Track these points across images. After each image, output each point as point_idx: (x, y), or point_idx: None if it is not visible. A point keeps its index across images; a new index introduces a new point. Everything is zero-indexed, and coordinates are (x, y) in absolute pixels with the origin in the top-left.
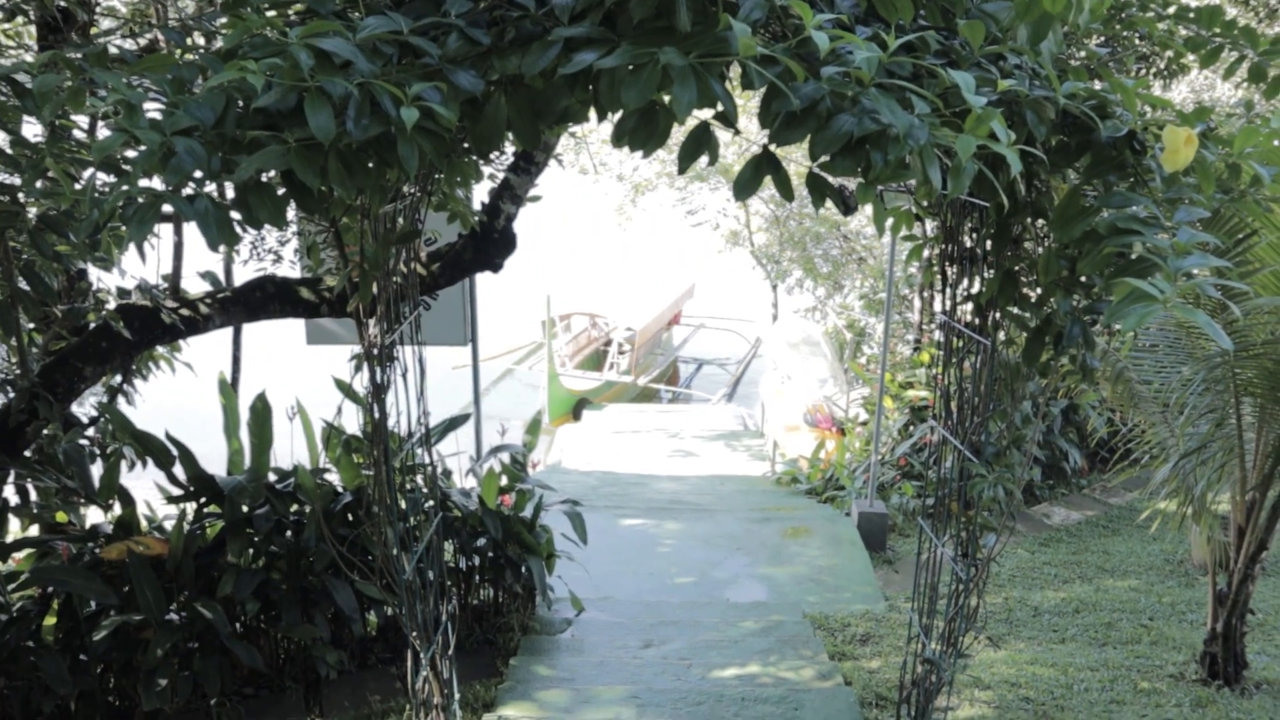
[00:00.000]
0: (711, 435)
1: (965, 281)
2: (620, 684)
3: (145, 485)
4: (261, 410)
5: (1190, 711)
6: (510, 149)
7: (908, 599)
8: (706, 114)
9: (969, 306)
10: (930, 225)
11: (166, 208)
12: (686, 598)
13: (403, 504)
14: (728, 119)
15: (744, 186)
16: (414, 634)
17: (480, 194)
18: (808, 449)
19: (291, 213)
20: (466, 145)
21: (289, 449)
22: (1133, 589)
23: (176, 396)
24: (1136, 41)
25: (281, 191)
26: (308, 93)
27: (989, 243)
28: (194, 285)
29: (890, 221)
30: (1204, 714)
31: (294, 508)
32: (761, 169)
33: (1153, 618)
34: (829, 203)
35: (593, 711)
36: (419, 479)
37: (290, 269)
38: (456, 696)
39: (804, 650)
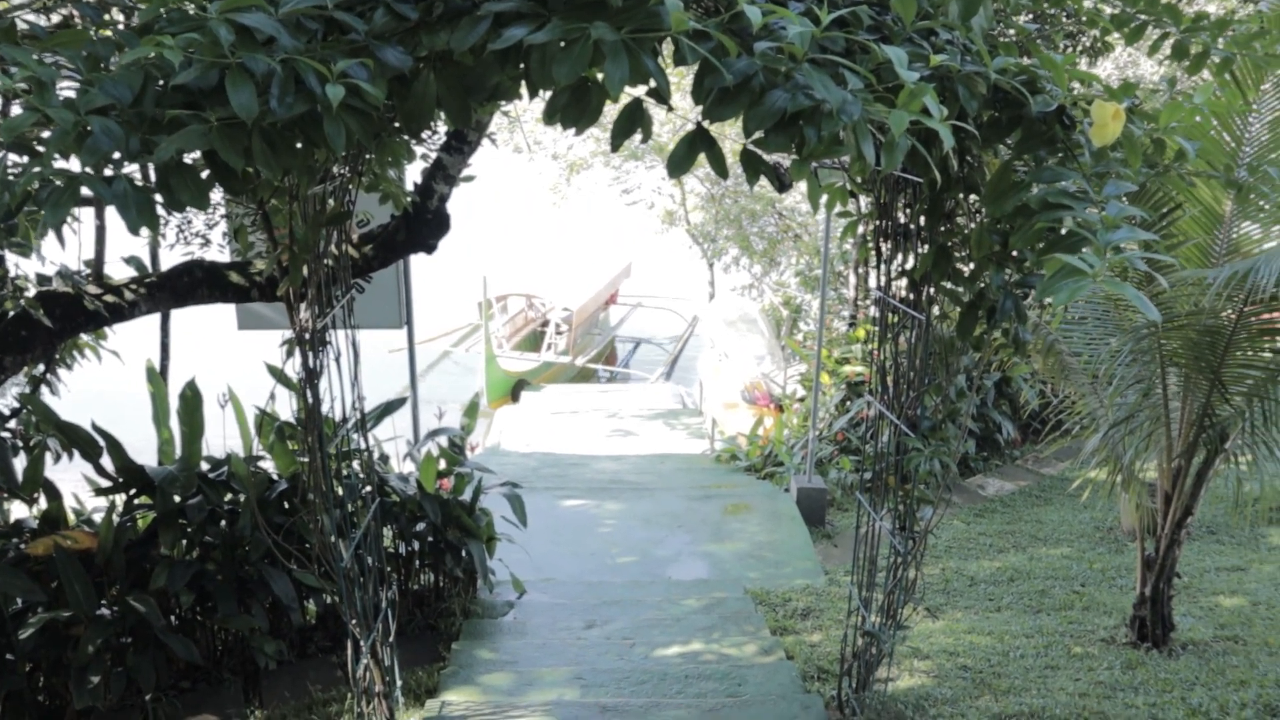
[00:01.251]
0: (650, 414)
1: (900, 257)
2: (563, 665)
3: (72, 477)
4: (192, 398)
5: (1121, 674)
6: (442, 128)
7: (847, 572)
8: (640, 90)
9: (903, 282)
10: (864, 201)
11: (85, 190)
12: (628, 577)
13: (339, 490)
14: (661, 95)
15: (678, 164)
16: (354, 622)
17: (413, 174)
18: (746, 426)
19: (218, 195)
20: (397, 124)
21: (221, 437)
22: (1065, 556)
23: (103, 385)
24: (1063, 19)
25: (205, 173)
26: (229, 70)
27: (922, 218)
28: (118, 271)
29: (825, 198)
30: (1134, 676)
31: (228, 497)
32: (696, 146)
33: (1084, 584)
34: (764, 180)
35: (536, 693)
36: (355, 465)
37: (219, 253)
38: (398, 683)
39: (746, 626)
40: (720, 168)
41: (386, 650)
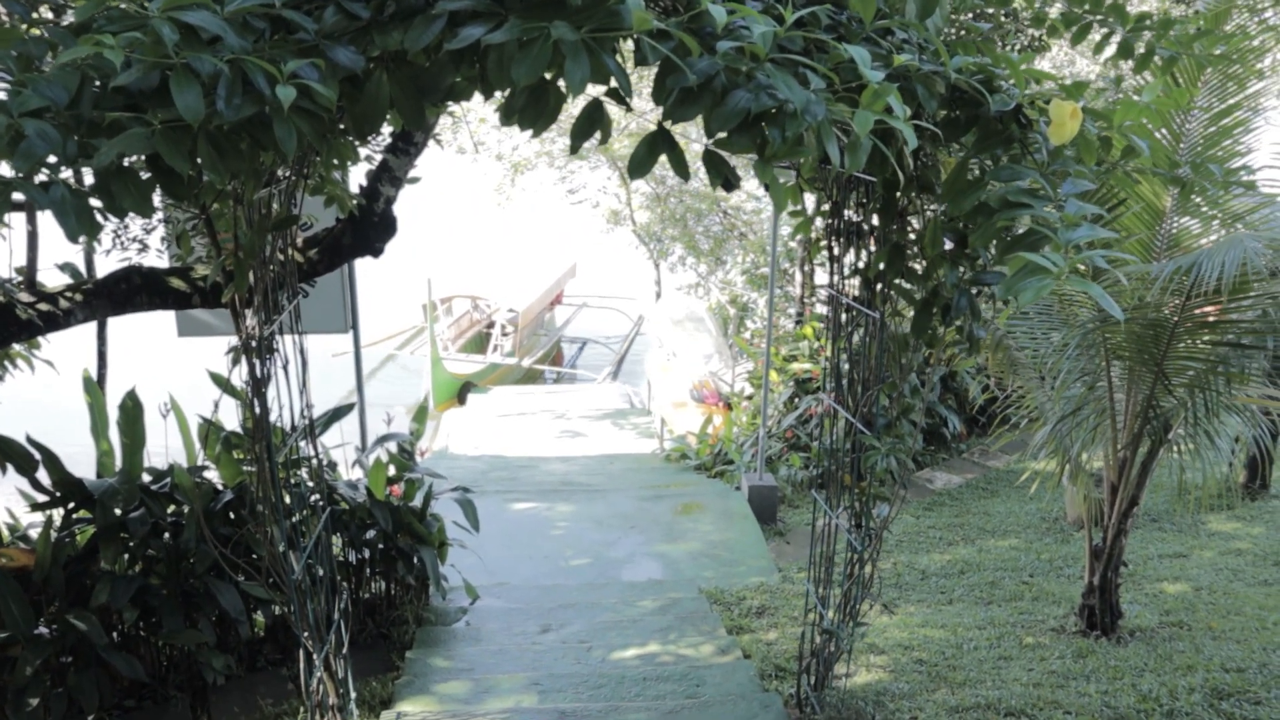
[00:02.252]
0: (598, 414)
1: (851, 255)
2: (520, 671)
3: (6, 492)
4: (132, 408)
5: (1073, 663)
6: (388, 129)
7: (800, 570)
8: (597, 90)
9: (856, 280)
10: (811, 200)
11: (18, 195)
12: (582, 580)
13: (288, 500)
14: (621, 96)
15: (639, 165)
16: (306, 634)
17: (356, 176)
18: (695, 425)
19: (157, 199)
20: (342, 126)
21: (163, 448)
22: (1013, 548)
23: (38, 396)
24: (1002, 18)
25: (147, 176)
26: (173, 70)
27: (875, 217)
28: (52, 278)
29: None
30: (1085, 664)
31: (171, 509)
32: (657, 147)
33: (1033, 574)
34: (707, 178)
35: (494, 701)
36: (303, 473)
37: (158, 258)
38: (353, 695)
39: (702, 626)
40: (682, 169)
41: (340, 662)
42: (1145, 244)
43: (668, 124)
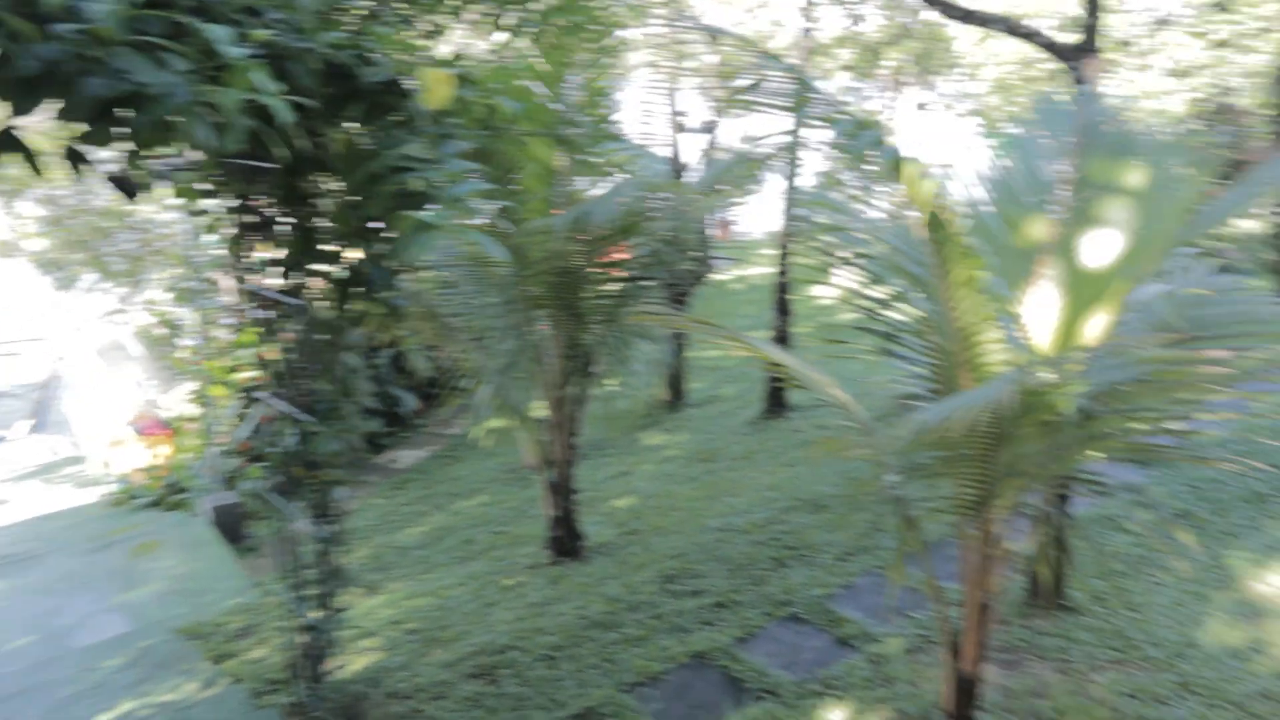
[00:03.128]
0: (23, 474)
1: (270, 248)
2: None
3: None
4: None
5: (549, 590)
6: None
7: (279, 579)
8: None
9: (278, 272)
10: (217, 200)
11: None
12: (29, 661)
13: None
14: None
15: None
16: None
17: None
18: (141, 460)
19: None
20: None
21: None
22: (483, 504)
23: None
24: (392, 4)
25: None
26: None
27: (285, 206)
28: None
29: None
30: (559, 588)
31: None
32: (4, 148)
33: (504, 524)
34: (112, 193)
35: None
36: None
37: None
38: None
39: (181, 666)
40: (35, 168)
41: None
42: (548, 201)
43: (17, 121)
